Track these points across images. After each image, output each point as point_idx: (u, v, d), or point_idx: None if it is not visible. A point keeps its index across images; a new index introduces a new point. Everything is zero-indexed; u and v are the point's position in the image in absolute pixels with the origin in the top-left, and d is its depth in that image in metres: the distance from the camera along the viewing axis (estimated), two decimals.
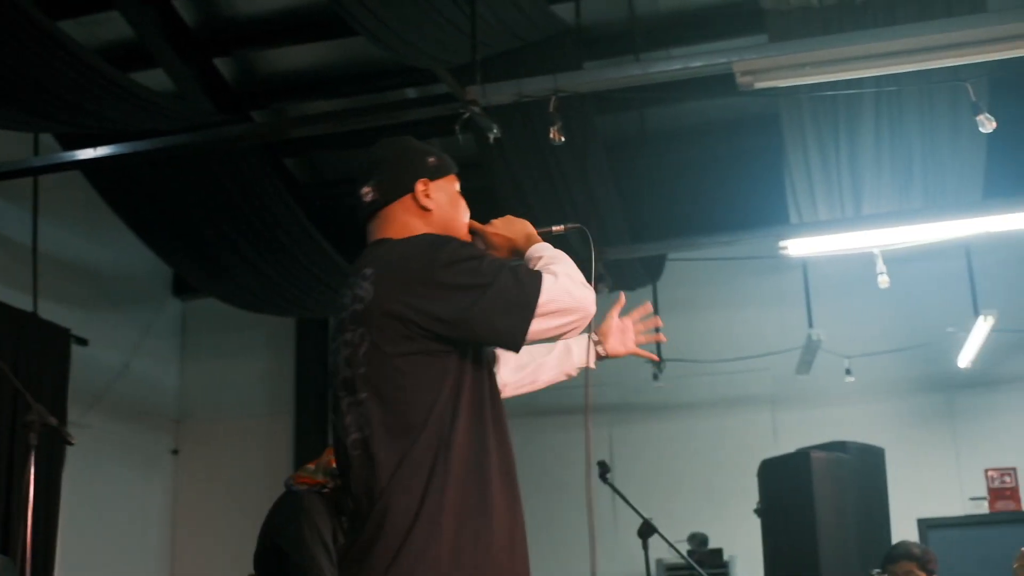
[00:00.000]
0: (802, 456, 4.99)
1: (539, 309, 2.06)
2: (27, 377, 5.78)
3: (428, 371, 2.07)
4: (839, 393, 7.04)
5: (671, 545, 5.05)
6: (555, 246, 2.33)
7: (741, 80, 3.97)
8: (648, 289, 7.29)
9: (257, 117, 6.63)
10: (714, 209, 6.76)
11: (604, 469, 4.86)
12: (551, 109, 4.05)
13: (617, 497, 4.93)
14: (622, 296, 2.68)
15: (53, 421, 3.18)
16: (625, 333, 2.66)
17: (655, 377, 7.18)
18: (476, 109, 4.16)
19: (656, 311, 7.88)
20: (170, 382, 8.06)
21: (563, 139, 4.13)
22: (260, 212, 6.45)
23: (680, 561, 6.63)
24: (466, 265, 2.09)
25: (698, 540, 6.00)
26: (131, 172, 6.24)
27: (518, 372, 2.58)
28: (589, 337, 2.59)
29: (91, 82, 4.58)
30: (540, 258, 2.23)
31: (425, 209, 2.29)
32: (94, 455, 6.37)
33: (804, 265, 6.93)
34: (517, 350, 2.11)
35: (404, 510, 2.00)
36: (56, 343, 6.53)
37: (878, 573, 4.45)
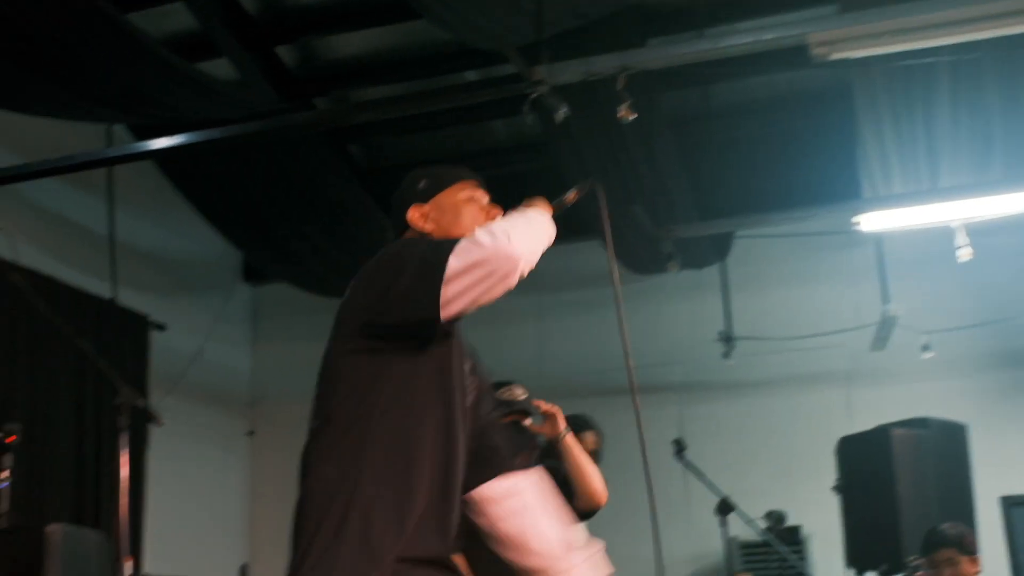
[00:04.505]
0: (882, 432, 4.95)
1: (450, 270, 2.02)
2: (109, 362, 5.94)
3: (371, 365, 2.12)
4: (916, 369, 6.95)
5: (750, 521, 5.07)
6: (567, 214, 2.35)
7: (816, 52, 3.92)
8: (716, 267, 7.30)
9: (319, 104, 6.72)
10: (784, 185, 6.71)
11: (680, 447, 4.91)
12: (620, 87, 4.05)
13: (689, 476, 4.97)
14: None
15: (142, 403, 3.31)
16: None
17: (725, 355, 7.17)
18: (543, 89, 4.17)
19: (725, 289, 7.87)
20: (243, 366, 8.26)
21: (633, 116, 4.13)
22: (325, 197, 6.56)
23: (755, 539, 6.64)
24: (395, 256, 2.13)
25: (776, 517, 5.99)
26: (201, 160, 6.40)
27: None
28: None
29: (160, 73, 4.72)
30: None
31: (422, 233, 2.35)
32: (174, 437, 6.55)
33: (878, 240, 6.84)
34: (437, 316, 2.04)
35: (318, 505, 2.09)
36: (135, 329, 6.74)
37: (915, 559, 4.38)
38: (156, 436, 6.44)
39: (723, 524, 4.86)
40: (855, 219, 5.85)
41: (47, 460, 5.75)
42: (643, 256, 6.69)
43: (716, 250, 7.10)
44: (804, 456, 6.88)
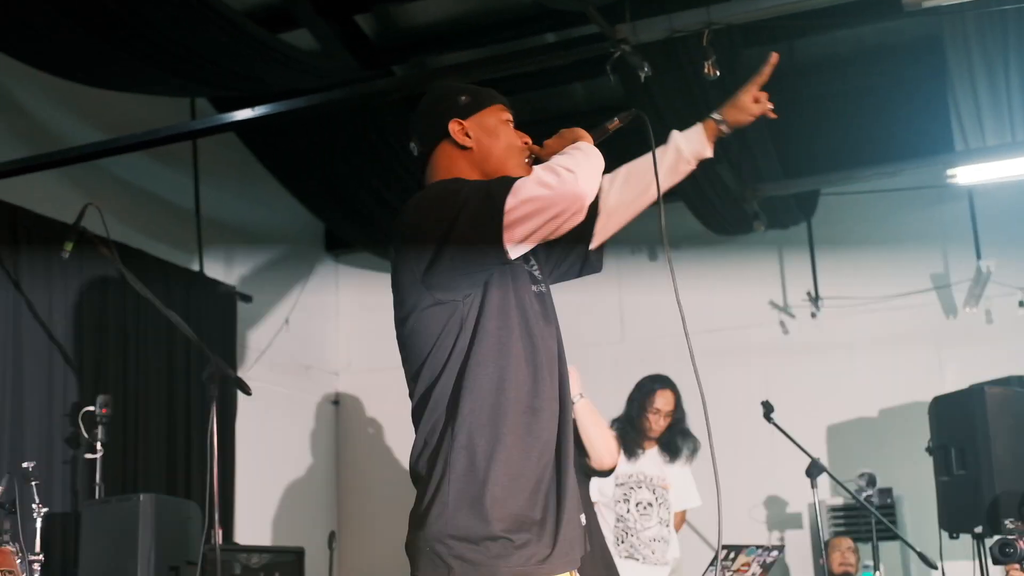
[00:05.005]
0: (976, 392, 4.85)
1: (509, 215, 2.03)
2: (197, 333, 6.06)
3: (443, 318, 2.14)
4: (1012, 327, 6.79)
5: (840, 484, 5.02)
6: (611, 142, 2.34)
7: (907, 0, 3.82)
8: (803, 226, 7.19)
9: (399, 71, 6.72)
10: (871, 140, 6.55)
11: (768, 408, 4.86)
12: (704, 43, 3.99)
13: (778, 438, 4.92)
14: (774, 57, 2.59)
15: (232, 373, 3.37)
16: (757, 102, 2.56)
17: (813, 316, 7.10)
18: (626, 47, 4.12)
19: (812, 248, 7.74)
20: (327, 335, 8.36)
21: (717, 73, 4.07)
22: (406, 164, 6.58)
23: (845, 502, 6.56)
24: (438, 202, 2.14)
25: (867, 480, 5.91)
26: (282, 131, 6.46)
27: (624, 189, 2.51)
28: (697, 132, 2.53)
29: (242, 44, 4.74)
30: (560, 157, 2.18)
31: (464, 148, 2.32)
32: (261, 408, 6.67)
33: (970, 194, 6.69)
34: (505, 261, 2.09)
35: (425, 471, 2.14)
36: (223, 301, 6.85)
37: (1012, 521, 4.29)
38: (244, 406, 6.57)
39: (813, 487, 4.81)
40: (949, 173, 5.73)
41: (139, 432, 5.88)
42: (728, 216, 6.62)
43: (802, 209, 7.01)
44: (895, 417, 6.80)
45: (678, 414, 5.10)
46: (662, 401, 5.06)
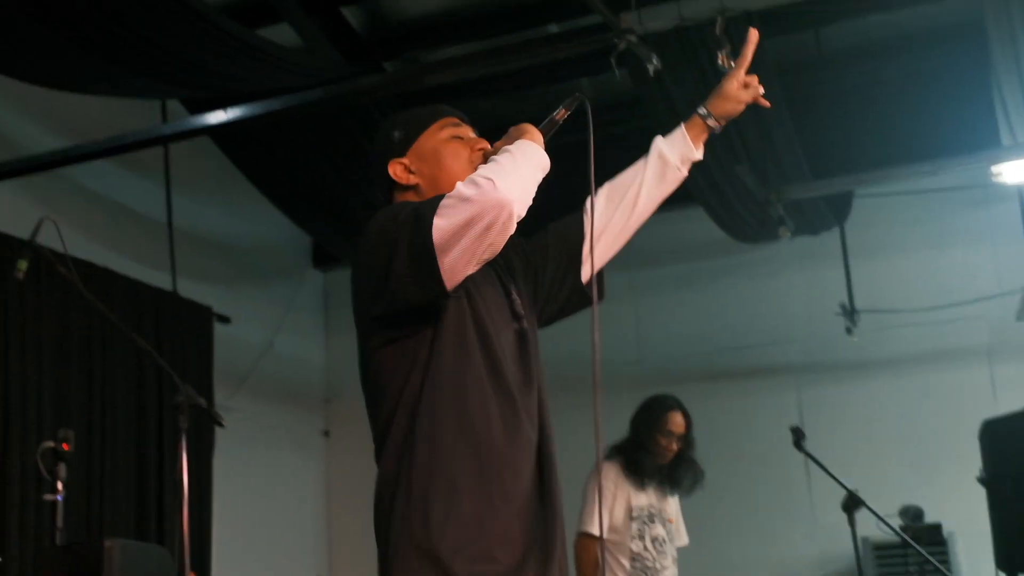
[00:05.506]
0: None
1: (441, 237, 2.02)
2: (171, 358, 6.04)
3: (396, 358, 2.17)
4: None
5: (881, 520, 4.95)
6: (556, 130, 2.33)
7: None
8: (835, 232, 7.14)
9: (389, 67, 6.71)
10: (909, 136, 6.51)
11: (798, 436, 4.75)
12: (717, 32, 3.98)
13: (812, 468, 4.87)
14: (753, 33, 2.57)
15: (203, 402, 3.34)
16: (746, 88, 2.52)
17: (849, 331, 7.00)
18: (632, 38, 4.10)
19: (846, 256, 7.70)
20: (316, 359, 8.34)
21: (732, 65, 4.05)
22: None
23: (891, 539, 6.48)
24: (381, 234, 2.14)
25: (912, 514, 5.84)
26: (262, 135, 6.44)
27: (607, 207, 2.48)
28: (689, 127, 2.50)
29: (217, 41, 4.72)
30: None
31: (409, 187, 2.34)
32: (243, 438, 6.64)
33: (1020, 193, 6.64)
34: (444, 292, 2.07)
35: (381, 529, 2.16)
36: (198, 322, 6.83)
37: None
38: (223, 438, 6.53)
39: (852, 522, 4.74)
40: (995, 170, 5.70)
41: (105, 469, 5.84)
42: (751, 222, 6.57)
43: (834, 212, 6.92)
44: (942, 443, 6.73)
45: (688, 439, 5.06)
46: (675, 423, 5.00)
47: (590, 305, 2.47)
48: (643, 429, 5.03)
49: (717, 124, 2.50)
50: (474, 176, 2.07)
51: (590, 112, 2.31)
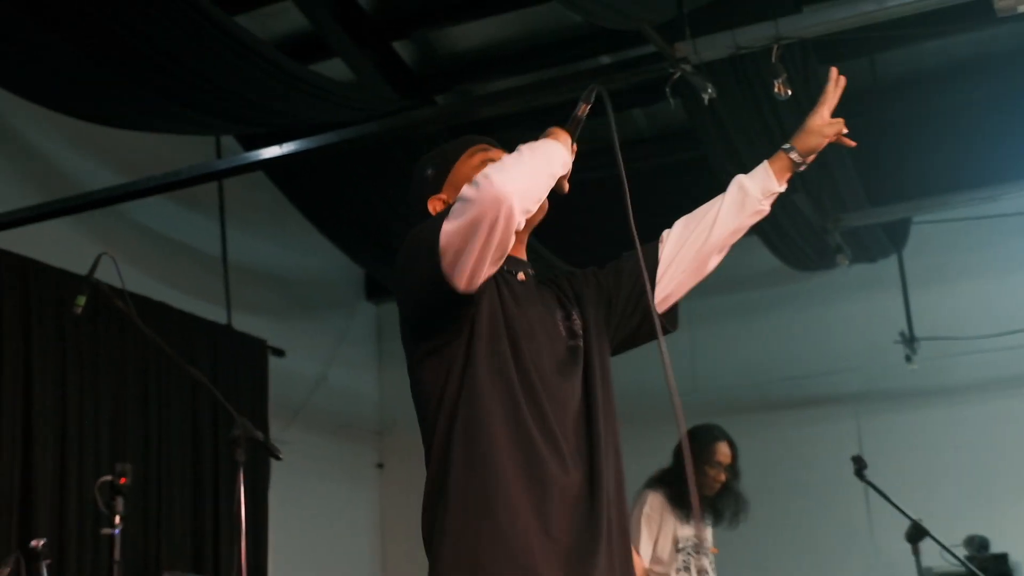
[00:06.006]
0: None
1: (445, 238, 2.07)
2: (226, 392, 6.00)
3: (436, 368, 2.20)
4: None
5: (946, 549, 4.87)
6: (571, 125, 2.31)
7: (1001, 4, 3.78)
8: (893, 260, 7.08)
9: (441, 100, 6.73)
10: (967, 162, 6.44)
11: (860, 465, 4.75)
12: (774, 60, 3.96)
13: (871, 497, 4.83)
14: (834, 72, 2.57)
15: (259, 436, 3.35)
16: (830, 125, 2.52)
17: (908, 359, 6.94)
18: (687, 67, 4.09)
19: (904, 284, 7.61)
20: (370, 392, 8.35)
21: (790, 93, 4.04)
22: None
23: (956, 569, 6.37)
24: (407, 249, 2.21)
25: (977, 544, 5.75)
26: (314, 169, 6.47)
27: (681, 233, 2.47)
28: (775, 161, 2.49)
29: (271, 77, 4.76)
30: None
31: None
32: (298, 471, 6.66)
33: None
34: (455, 290, 2.10)
35: (427, 524, 2.18)
36: (253, 355, 6.87)
37: None
38: (277, 471, 6.56)
39: (915, 553, 4.69)
40: None
41: (162, 503, 5.89)
42: (808, 251, 6.52)
43: (891, 240, 6.88)
44: (1007, 472, 6.69)
45: (735, 470, 5.00)
46: (722, 454, 4.95)
47: (665, 333, 2.44)
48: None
49: (801, 159, 2.49)
50: (476, 176, 2.10)
51: (608, 98, 2.32)
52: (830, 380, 7.17)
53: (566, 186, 2.29)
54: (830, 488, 5.86)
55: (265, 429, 6.61)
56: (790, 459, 7.03)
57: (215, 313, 6.60)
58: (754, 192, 2.47)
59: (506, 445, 2.13)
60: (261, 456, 5.93)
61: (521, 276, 2.35)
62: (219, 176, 5.99)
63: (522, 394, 2.17)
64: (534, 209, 2.14)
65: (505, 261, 2.20)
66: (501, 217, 2.04)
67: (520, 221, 2.08)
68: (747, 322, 7.51)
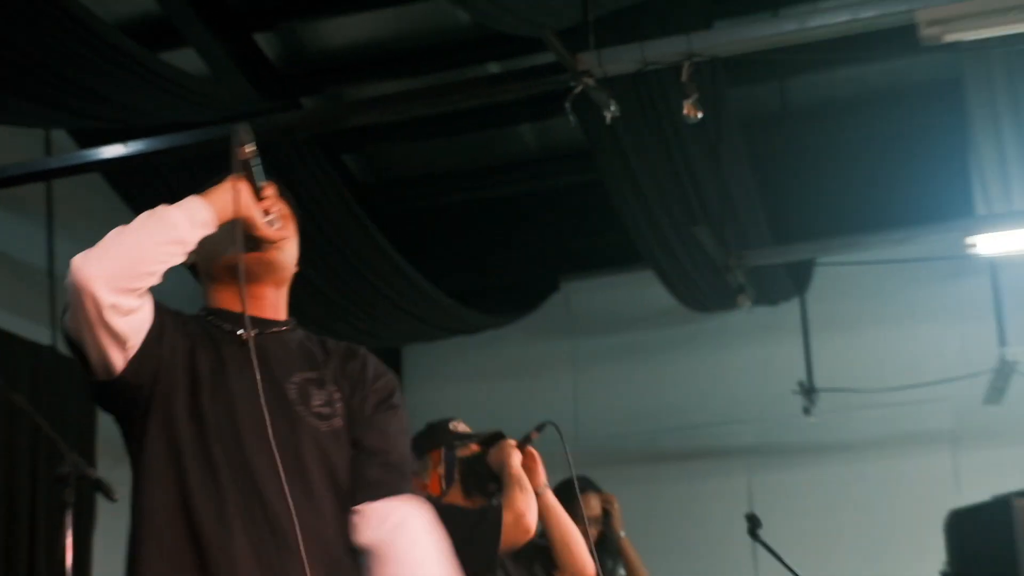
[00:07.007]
0: (1000, 505, 4.91)
1: (68, 332, 2.21)
2: (48, 423, 5.85)
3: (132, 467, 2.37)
4: None
5: None
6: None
7: (926, 32, 3.85)
8: (795, 303, 7.18)
9: (308, 103, 6.64)
10: (877, 201, 6.60)
11: (754, 523, 4.83)
12: (684, 78, 3.97)
13: (761, 558, 4.90)
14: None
15: (92, 473, 3.21)
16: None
17: (806, 411, 7.03)
18: (590, 81, 4.08)
19: (805, 329, 7.72)
20: None
21: (700, 115, 4.05)
22: (315, 218, 6.43)
23: None
24: None
25: None
26: (160, 173, 6.29)
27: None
28: None
29: (113, 64, 4.62)
30: None
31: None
32: (124, 516, 6.39)
33: (992, 268, 6.73)
34: (103, 380, 2.26)
35: None
36: (80, 382, 6.58)
37: None
38: (104, 516, 6.29)
39: None
40: (968, 241, 5.76)
41: None
42: (706, 289, 6.57)
43: (794, 281, 6.99)
44: (904, 534, 6.79)
45: (607, 522, 5.03)
46: (594, 507, 4.96)
47: None
48: None
49: None
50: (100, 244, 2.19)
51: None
52: (722, 431, 7.26)
53: (270, 233, 2.30)
54: (718, 546, 5.86)
55: (92, 466, 6.34)
56: (677, 514, 7.11)
57: (37, 333, 6.33)
58: None
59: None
60: (87, 497, 5.71)
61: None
62: (48, 176, 5.80)
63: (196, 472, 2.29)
64: (142, 286, 2.15)
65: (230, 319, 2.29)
66: (80, 306, 2.09)
67: (120, 302, 2.10)
68: (636, 365, 7.52)
